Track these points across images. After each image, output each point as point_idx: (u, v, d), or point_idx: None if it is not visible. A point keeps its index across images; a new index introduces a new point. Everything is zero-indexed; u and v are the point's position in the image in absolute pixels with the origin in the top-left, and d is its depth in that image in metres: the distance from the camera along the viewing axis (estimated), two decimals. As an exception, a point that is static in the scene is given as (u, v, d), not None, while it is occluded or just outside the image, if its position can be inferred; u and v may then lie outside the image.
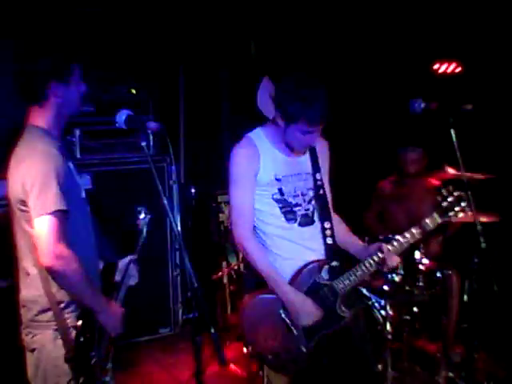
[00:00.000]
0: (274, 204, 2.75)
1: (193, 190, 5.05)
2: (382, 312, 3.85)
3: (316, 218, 2.83)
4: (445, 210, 2.75)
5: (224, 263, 4.94)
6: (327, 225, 2.82)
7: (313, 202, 2.83)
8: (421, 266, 3.88)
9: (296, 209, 2.78)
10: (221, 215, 5.20)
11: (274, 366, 2.75)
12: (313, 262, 2.77)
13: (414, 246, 4.00)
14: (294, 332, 2.66)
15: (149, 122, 2.37)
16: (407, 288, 3.86)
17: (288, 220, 2.76)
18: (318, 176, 2.84)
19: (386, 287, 3.88)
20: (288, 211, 2.76)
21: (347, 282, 2.74)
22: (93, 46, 4.65)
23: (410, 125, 3.95)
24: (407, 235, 2.78)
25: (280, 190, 2.75)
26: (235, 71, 5.63)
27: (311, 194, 2.83)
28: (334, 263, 2.77)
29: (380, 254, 2.74)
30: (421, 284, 3.90)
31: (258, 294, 2.78)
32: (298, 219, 2.78)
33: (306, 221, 2.80)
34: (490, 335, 3.92)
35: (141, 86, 4.92)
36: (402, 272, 3.86)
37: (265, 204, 2.75)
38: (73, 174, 2.37)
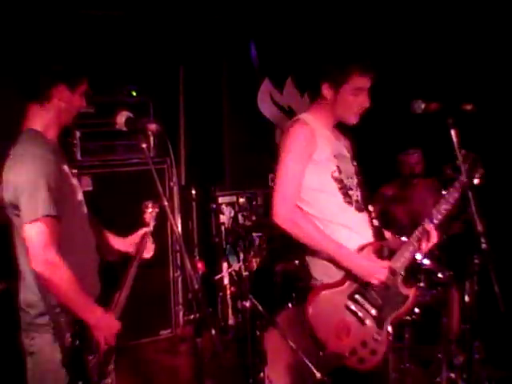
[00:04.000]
0: (333, 183, 2.67)
1: (193, 192, 5.04)
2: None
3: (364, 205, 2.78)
4: (468, 172, 2.70)
5: (225, 265, 4.94)
6: (371, 208, 2.79)
7: (359, 189, 2.77)
8: (422, 267, 3.88)
9: (350, 192, 2.71)
10: (221, 216, 5.21)
11: (354, 362, 2.60)
12: (367, 244, 2.70)
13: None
14: (366, 322, 2.60)
15: (149, 124, 2.36)
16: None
17: (346, 202, 2.68)
18: (354, 163, 2.81)
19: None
20: (345, 193, 2.69)
21: (403, 259, 2.70)
22: (93, 47, 4.65)
23: (410, 125, 3.95)
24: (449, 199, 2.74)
25: (338, 167, 2.68)
26: (236, 72, 5.63)
27: (355, 179, 2.77)
28: (386, 244, 2.73)
29: (424, 228, 2.71)
30: (422, 285, 3.89)
31: (319, 291, 2.64)
32: (354, 204, 2.71)
33: (360, 207, 2.74)
34: (492, 336, 3.91)
35: (141, 87, 4.92)
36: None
37: (324, 182, 2.65)
38: (68, 177, 2.35)
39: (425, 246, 2.74)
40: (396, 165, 4.51)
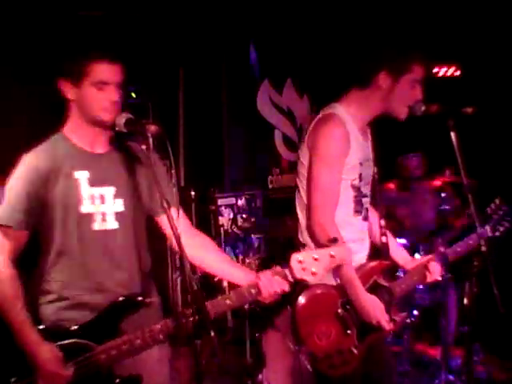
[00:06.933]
0: (350, 191, 2.60)
1: (192, 193, 5.04)
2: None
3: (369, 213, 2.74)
4: (495, 223, 2.74)
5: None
6: (383, 222, 2.73)
7: (370, 194, 2.70)
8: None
9: (364, 200, 2.65)
10: (220, 218, 5.20)
11: (323, 366, 2.60)
12: (374, 260, 2.69)
13: (414, 249, 4.00)
14: (349, 332, 2.57)
15: (148, 125, 2.34)
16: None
17: (355, 212, 2.63)
18: (375, 169, 2.73)
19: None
20: (358, 201, 2.62)
21: (404, 286, 2.69)
22: (92, 48, 4.64)
23: (410, 127, 3.95)
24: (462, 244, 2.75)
25: (360, 175, 2.61)
26: (235, 74, 5.64)
27: (370, 183, 2.70)
28: (391, 264, 2.70)
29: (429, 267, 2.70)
30: (421, 287, 3.89)
31: (315, 289, 2.62)
32: (363, 212, 2.66)
33: (367, 215, 2.69)
34: (490, 338, 3.91)
35: (140, 88, 4.92)
36: (401, 275, 3.86)
37: (341, 191, 2.57)
38: (75, 185, 2.19)
39: (428, 279, 2.73)
40: (395, 167, 4.49)
